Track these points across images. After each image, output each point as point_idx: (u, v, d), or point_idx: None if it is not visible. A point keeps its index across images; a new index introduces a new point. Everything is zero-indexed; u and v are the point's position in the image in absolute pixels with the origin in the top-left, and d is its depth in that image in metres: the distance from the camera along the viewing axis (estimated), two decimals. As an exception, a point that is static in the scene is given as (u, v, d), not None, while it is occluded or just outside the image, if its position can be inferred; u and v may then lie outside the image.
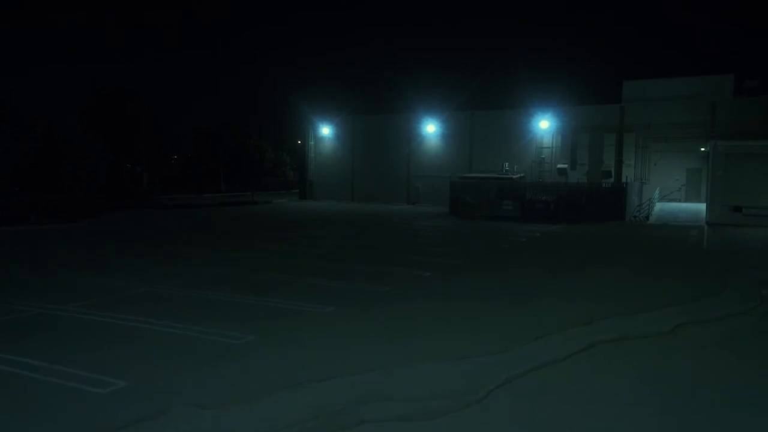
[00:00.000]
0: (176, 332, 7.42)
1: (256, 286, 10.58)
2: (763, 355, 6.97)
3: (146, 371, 6.05)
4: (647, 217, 27.82)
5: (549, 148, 35.56)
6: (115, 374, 5.89)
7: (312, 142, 43.74)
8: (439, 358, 6.53)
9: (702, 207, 28.45)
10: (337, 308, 8.79)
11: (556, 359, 6.52)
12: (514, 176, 34.20)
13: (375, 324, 8.09)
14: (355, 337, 7.41)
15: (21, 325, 7.84)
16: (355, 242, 17.92)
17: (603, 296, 10.07)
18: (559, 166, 34.82)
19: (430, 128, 38.56)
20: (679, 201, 37.11)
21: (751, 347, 7.29)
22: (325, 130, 42.59)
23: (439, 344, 7.11)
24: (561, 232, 21.57)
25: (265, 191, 57.19)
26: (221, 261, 13.58)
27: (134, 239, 18.67)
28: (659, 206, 33.73)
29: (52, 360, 6.30)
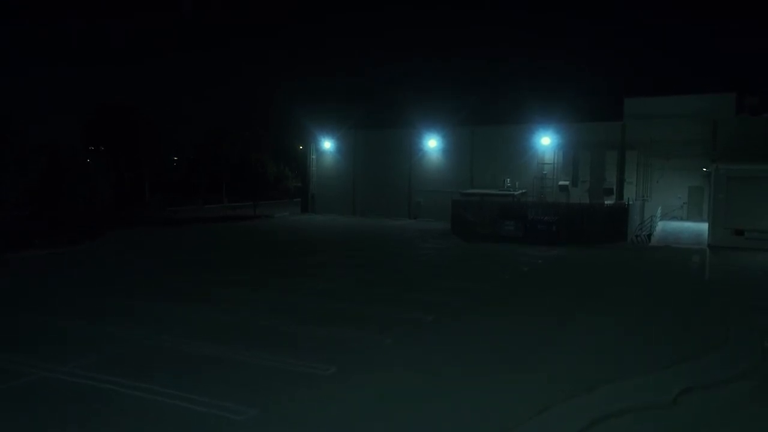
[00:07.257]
0: (175, 403, 7.39)
1: (255, 337, 10.54)
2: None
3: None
4: (649, 236, 27.74)
5: (550, 164, 35.52)
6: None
7: (314, 156, 43.75)
8: (440, 441, 6.52)
9: (704, 226, 28.39)
10: (337, 370, 8.77)
11: (559, 441, 6.50)
12: (516, 193, 34.14)
13: (375, 392, 8.05)
14: (355, 408, 7.40)
15: (24, 394, 7.84)
16: (357, 274, 17.87)
17: (604, 350, 10.03)
18: (560, 182, 34.77)
19: (432, 143, 38.56)
20: (681, 219, 37.05)
21: (752, 420, 7.27)
22: (327, 144, 42.61)
23: (440, 419, 7.08)
24: (563, 258, 21.54)
25: (267, 201, 57.20)
26: (219, 303, 13.38)
27: (132, 272, 18.63)
28: (661, 225, 33.65)
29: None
